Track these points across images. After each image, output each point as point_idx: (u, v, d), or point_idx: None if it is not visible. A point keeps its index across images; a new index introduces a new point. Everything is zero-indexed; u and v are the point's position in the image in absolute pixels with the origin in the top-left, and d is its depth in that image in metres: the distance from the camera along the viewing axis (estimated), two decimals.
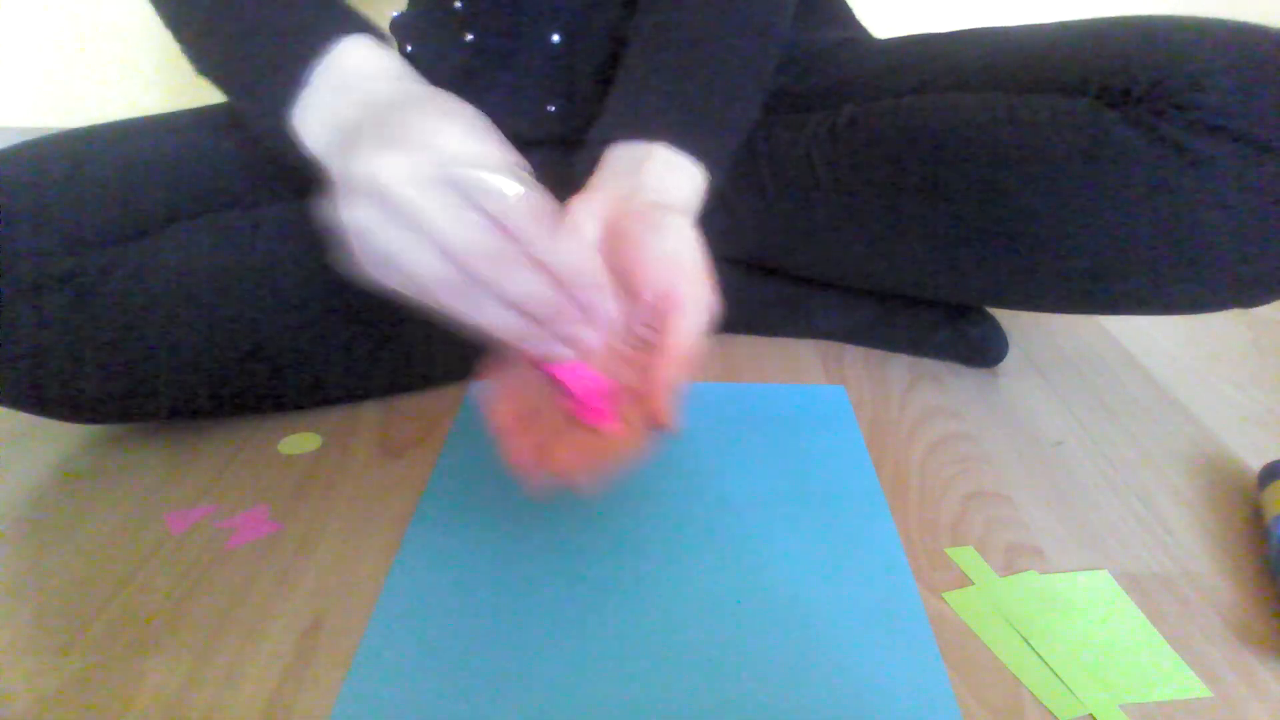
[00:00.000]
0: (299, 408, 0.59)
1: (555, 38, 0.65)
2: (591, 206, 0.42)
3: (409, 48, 0.70)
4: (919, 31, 0.68)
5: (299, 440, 0.56)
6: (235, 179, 0.55)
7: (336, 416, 0.59)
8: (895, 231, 0.58)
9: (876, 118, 0.59)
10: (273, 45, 0.44)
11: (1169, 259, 0.50)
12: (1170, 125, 0.47)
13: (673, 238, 0.40)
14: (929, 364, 0.68)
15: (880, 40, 0.70)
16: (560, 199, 0.67)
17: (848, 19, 0.76)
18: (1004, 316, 0.68)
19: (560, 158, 0.71)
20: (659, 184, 0.46)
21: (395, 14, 0.75)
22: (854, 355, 0.69)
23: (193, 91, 0.55)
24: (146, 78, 1.17)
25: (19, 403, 0.51)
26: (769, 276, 0.69)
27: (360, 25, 0.44)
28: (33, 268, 0.47)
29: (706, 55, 0.52)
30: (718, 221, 0.66)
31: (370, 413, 0.60)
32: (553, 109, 0.68)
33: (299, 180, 0.61)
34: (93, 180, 0.50)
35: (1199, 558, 0.47)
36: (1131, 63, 0.49)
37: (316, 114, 0.42)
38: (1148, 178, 0.48)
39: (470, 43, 0.66)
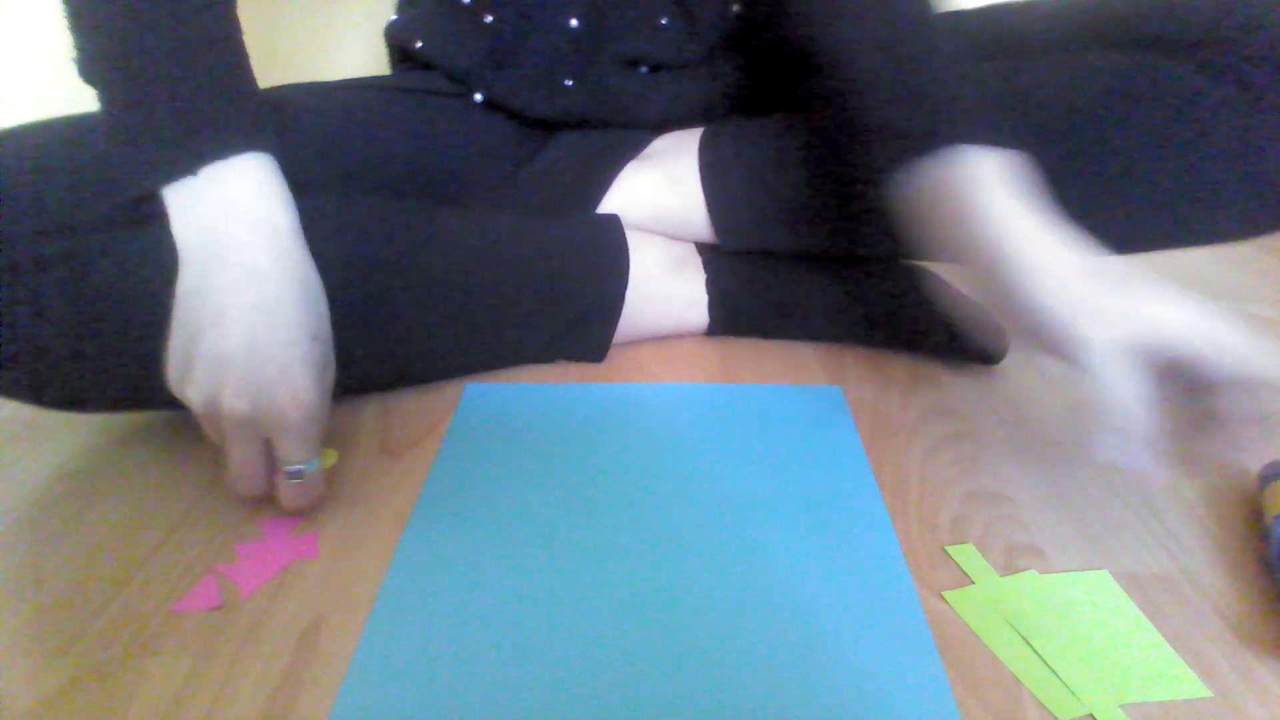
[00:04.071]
0: None
1: (573, 22, 0.66)
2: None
3: (419, 44, 0.70)
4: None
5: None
6: None
7: (336, 417, 0.59)
8: None
9: None
10: (181, 105, 0.45)
11: (1238, 188, 0.54)
12: (1226, 61, 0.52)
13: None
14: (929, 364, 0.68)
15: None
16: (579, 189, 0.68)
17: None
18: None
19: (580, 145, 0.70)
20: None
21: (394, 17, 0.75)
22: (854, 355, 0.69)
23: None
24: None
25: (17, 392, 0.51)
26: (769, 280, 0.69)
27: (264, 138, 0.47)
28: (31, 250, 0.47)
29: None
30: (769, 212, 0.66)
31: (370, 413, 0.60)
32: (570, 83, 0.68)
33: (309, 174, 0.61)
34: (92, 165, 0.50)
35: (1199, 558, 0.47)
36: (1179, 15, 0.54)
37: (193, 214, 0.45)
38: (1215, 114, 0.52)
39: (490, 25, 0.67)
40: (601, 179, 0.68)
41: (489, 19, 0.67)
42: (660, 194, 0.68)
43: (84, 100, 0.49)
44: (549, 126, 0.71)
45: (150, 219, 0.51)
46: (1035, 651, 0.41)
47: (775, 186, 0.65)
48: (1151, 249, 0.60)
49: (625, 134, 0.71)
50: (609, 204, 0.68)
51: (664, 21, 0.66)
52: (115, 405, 0.54)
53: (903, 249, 0.65)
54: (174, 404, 0.55)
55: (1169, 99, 0.53)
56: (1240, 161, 0.53)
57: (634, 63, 0.68)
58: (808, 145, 0.64)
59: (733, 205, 0.66)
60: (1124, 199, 0.55)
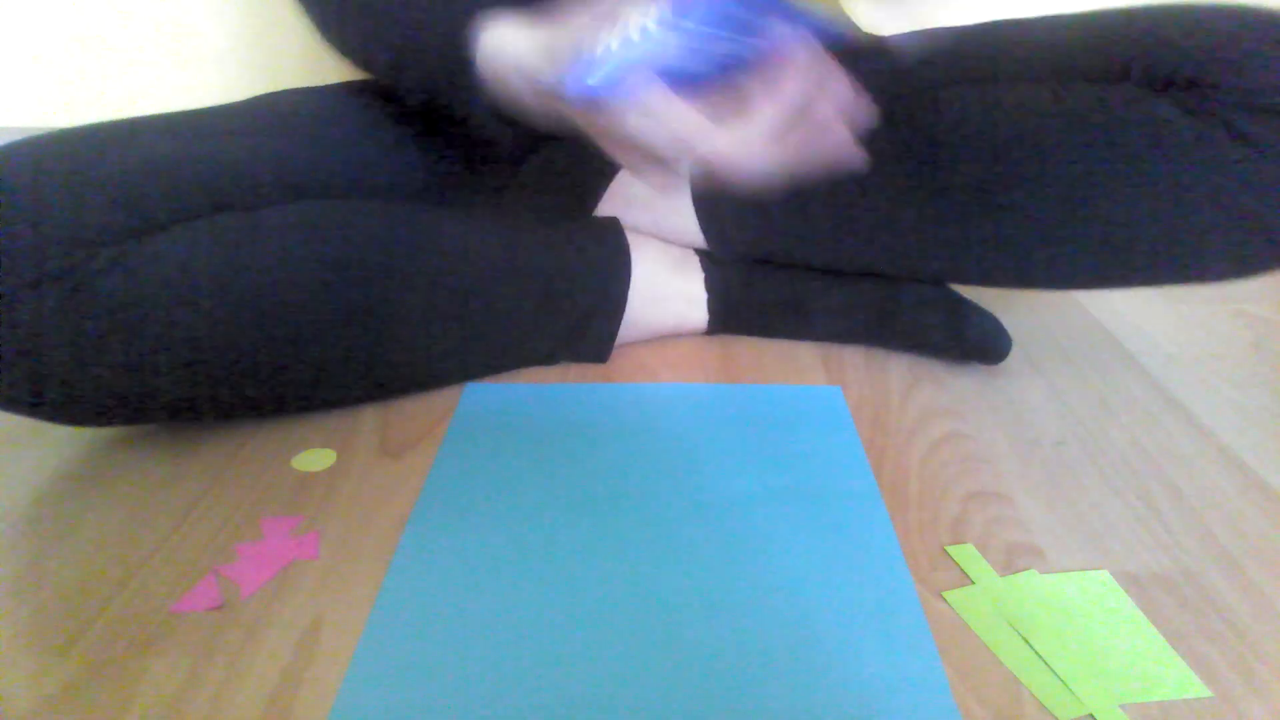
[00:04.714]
0: (299, 411, 0.59)
1: None
2: None
3: None
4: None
5: (314, 456, 0.56)
6: (236, 182, 0.55)
7: (336, 417, 0.59)
8: (946, 224, 0.60)
9: (918, 116, 0.59)
10: None
11: (1218, 232, 0.53)
12: (1217, 106, 0.50)
13: None
14: (929, 364, 0.68)
15: (886, 37, 0.70)
16: (575, 194, 0.68)
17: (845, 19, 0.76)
18: (1004, 316, 0.68)
19: (577, 151, 0.70)
20: None
21: None
22: (854, 355, 0.69)
23: (191, 95, 0.55)
24: (147, 78, 1.17)
25: (17, 405, 0.51)
26: (769, 280, 0.69)
27: None
28: (31, 264, 0.47)
29: None
30: (758, 227, 0.66)
31: (370, 413, 0.60)
32: None
33: (310, 180, 0.61)
34: (94, 179, 0.50)
35: (1199, 558, 0.47)
36: (1174, 49, 0.52)
37: None
38: (1196, 156, 0.51)
39: None
40: (597, 184, 0.68)
41: None
42: (654, 202, 0.68)
43: (83, 103, 0.49)
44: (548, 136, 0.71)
45: (153, 230, 0.51)
46: (1035, 651, 0.41)
47: (765, 201, 0.65)
48: (1137, 284, 0.59)
49: None
50: (605, 209, 0.68)
51: None
52: (118, 419, 0.54)
53: (892, 267, 0.65)
54: (175, 416, 0.55)
55: (1147, 136, 0.52)
56: (1225, 203, 0.52)
57: None
58: None
59: (723, 217, 0.67)
60: (1100, 233, 0.55)
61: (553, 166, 0.70)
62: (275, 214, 0.55)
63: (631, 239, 0.66)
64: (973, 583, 0.45)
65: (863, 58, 0.68)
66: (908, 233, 0.61)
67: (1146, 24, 0.54)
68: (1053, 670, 0.40)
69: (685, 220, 0.68)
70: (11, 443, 0.57)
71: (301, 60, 1.13)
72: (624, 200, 0.68)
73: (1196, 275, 0.57)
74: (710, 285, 0.69)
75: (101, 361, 0.49)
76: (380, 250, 0.56)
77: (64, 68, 1.16)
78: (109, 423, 0.55)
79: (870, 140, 0.61)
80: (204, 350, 0.51)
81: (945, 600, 0.44)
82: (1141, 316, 0.78)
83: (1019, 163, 0.55)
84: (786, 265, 0.68)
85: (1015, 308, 0.77)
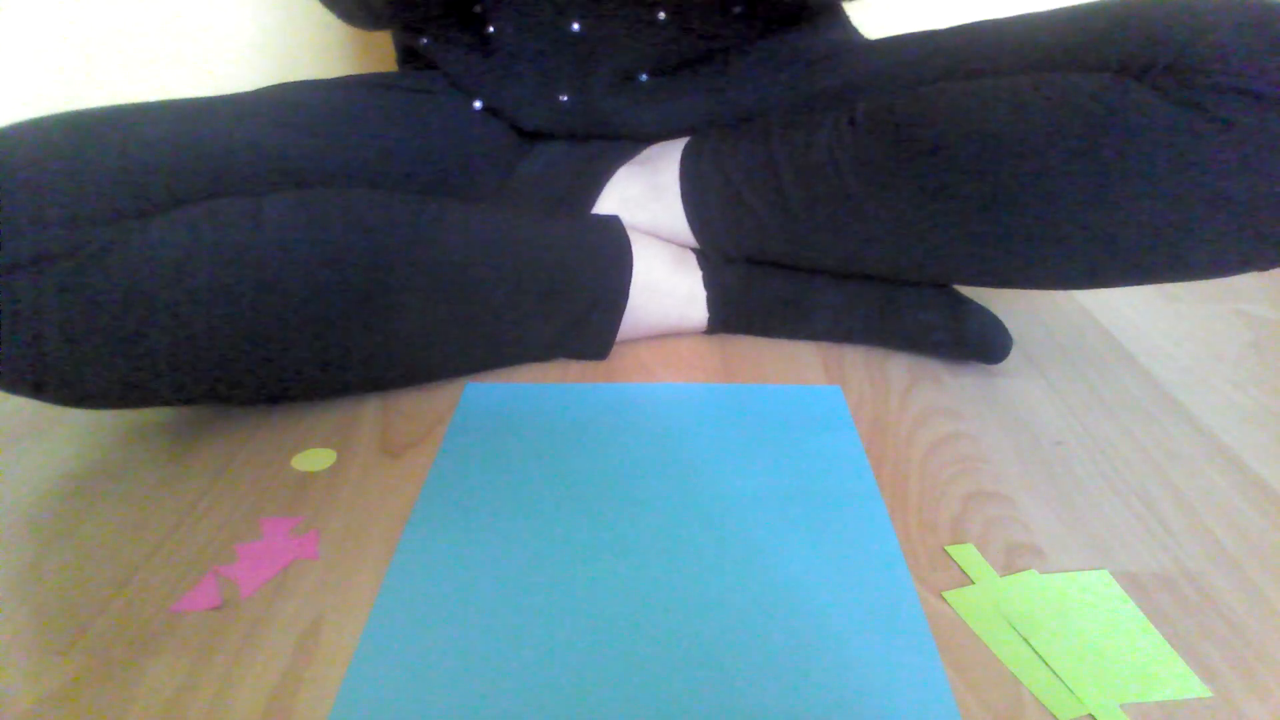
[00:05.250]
0: (298, 400, 0.60)
1: (575, 26, 0.66)
2: None
3: (424, 40, 0.71)
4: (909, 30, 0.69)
5: (314, 456, 0.56)
6: (238, 169, 0.55)
7: (336, 417, 0.59)
8: (925, 217, 0.59)
9: (896, 109, 0.59)
10: None
11: (1199, 222, 0.52)
12: (1195, 91, 0.49)
13: None
14: (929, 364, 0.68)
15: (878, 40, 0.70)
16: (572, 194, 0.69)
17: (844, 21, 0.76)
18: (1004, 316, 0.68)
19: (575, 151, 0.71)
20: None
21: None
22: (854, 355, 0.69)
23: (199, 94, 0.55)
24: (155, 77, 1.17)
25: (17, 385, 0.51)
26: (768, 278, 0.69)
27: None
28: (31, 242, 0.47)
29: None
30: (745, 227, 0.66)
31: (370, 413, 0.60)
32: (565, 99, 0.69)
33: (311, 171, 0.61)
34: (95, 160, 0.50)
35: (1199, 558, 0.47)
36: (1152, 37, 0.52)
37: None
38: (1176, 142, 0.50)
39: (490, 35, 0.67)
40: (594, 184, 0.69)
41: (490, 30, 0.67)
42: (648, 203, 0.68)
43: (87, 103, 0.49)
44: (546, 135, 0.72)
45: (154, 212, 0.51)
46: (1035, 651, 0.41)
47: (751, 202, 0.65)
48: (1134, 280, 0.58)
49: (618, 141, 0.71)
50: (602, 209, 0.68)
51: (661, 16, 0.66)
52: (117, 401, 0.54)
53: (884, 267, 0.65)
54: (175, 401, 0.55)
55: (1130, 125, 0.51)
56: (1212, 193, 0.51)
57: (630, 75, 0.68)
58: (782, 158, 0.64)
59: (711, 219, 0.67)
60: (1090, 226, 0.54)
61: (552, 166, 0.71)
62: (277, 200, 0.55)
63: (631, 236, 0.67)
64: (973, 583, 0.45)
65: (857, 59, 0.68)
66: (898, 233, 0.61)
67: (1127, 12, 0.54)
68: (1053, 670, 0.40)
69: (676, 221, 0.68)
70: (12, 442, 0.57)
71: (312, 61, 1.13)
72: (621, 200, 0.68)
73: (1191, 270, 0.56)
74: (709, 283, 0.69)
75: (101, 343, 0.49)
76: (381, 239, 0.56)
77: (67, 67, 1.16)
78: (110, 405, 0.55)
79: (863, 140, 0.61)
80: (203, 334, 0.51)
81: (945, 600, 0.44)
82: (1141, 316, 0.78)
83: (1006, 158, 0.54)
84: (784, 265, 0.69)
85: (1015, 308, 0.77)
